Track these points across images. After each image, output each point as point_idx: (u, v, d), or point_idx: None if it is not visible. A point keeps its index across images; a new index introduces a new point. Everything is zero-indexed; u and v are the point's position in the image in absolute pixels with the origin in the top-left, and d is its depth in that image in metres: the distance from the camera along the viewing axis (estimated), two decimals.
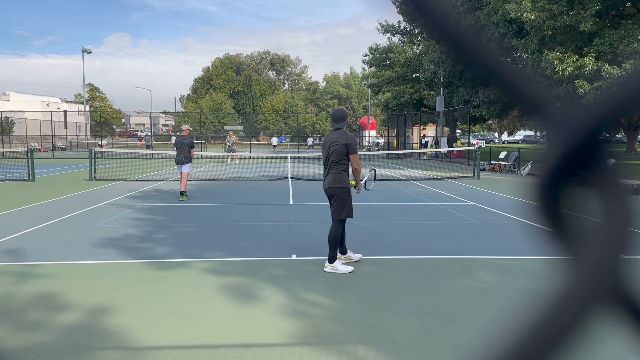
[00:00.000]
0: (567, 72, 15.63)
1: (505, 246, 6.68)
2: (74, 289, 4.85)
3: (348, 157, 5.38)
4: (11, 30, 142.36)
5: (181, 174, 11.13)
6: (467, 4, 19.23)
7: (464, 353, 3.46)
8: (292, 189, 13.54)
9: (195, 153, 11.68)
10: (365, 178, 6.45)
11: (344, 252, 5.74)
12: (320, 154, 5.72)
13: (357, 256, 5.84)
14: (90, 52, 46.28)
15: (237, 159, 26.41)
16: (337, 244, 5.41)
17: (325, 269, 5.41)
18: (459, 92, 26.41)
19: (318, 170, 20.43)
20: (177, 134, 12.56)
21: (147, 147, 40.05)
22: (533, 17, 15.89)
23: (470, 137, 35.75)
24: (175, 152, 11.06)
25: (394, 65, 38.26)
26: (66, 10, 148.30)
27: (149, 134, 48.28)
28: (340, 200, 5.39)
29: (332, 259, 5.41)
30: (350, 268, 5.42)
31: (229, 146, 27.02)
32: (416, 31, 31.33)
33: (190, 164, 11.08)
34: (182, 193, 11.17)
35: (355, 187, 5.62)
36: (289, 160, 18.87)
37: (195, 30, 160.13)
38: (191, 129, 11.76)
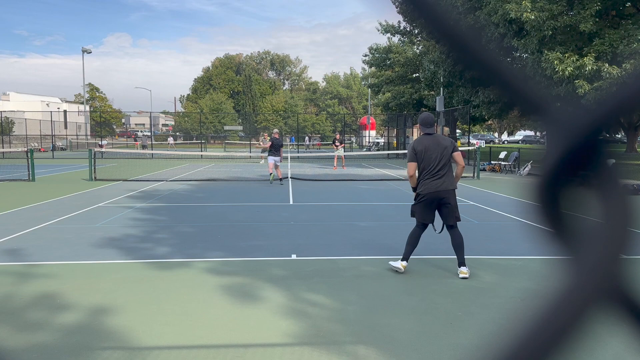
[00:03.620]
0: (567, 72, 15.63)
1: (505, 246, 6.68)
2: (74, 289, 4.85)
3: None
4: (11, 30, 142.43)
5: (276, 166, 14.65)
6: (467, 4, 19.22)
7: (464, 353, 3.46)
8: (292, 189, 13.53)
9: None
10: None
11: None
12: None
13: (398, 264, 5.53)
14: (90, 52, 46.29)
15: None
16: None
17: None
18: (459, 92, 26.38)
19: (318, 170, 20.42)
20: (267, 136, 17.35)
21: (143, 147, 39.90)
22: (533, 17, 15.89)
23: (470, 137, 35.74)
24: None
25: (394, 65, 38.22)
26: (66, 10, 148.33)
27: (146, 133, 48.11)
28: (455, 202, 5.28)
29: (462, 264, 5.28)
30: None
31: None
32: (416, 31, 31.30)
33: (280, 157, 14.71)
34: (280, 179, 14.94)
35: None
36: (289, 160, 18.85)
37: (194, 30, 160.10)
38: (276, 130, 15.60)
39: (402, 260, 5.39)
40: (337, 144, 22.14)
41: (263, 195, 12.02)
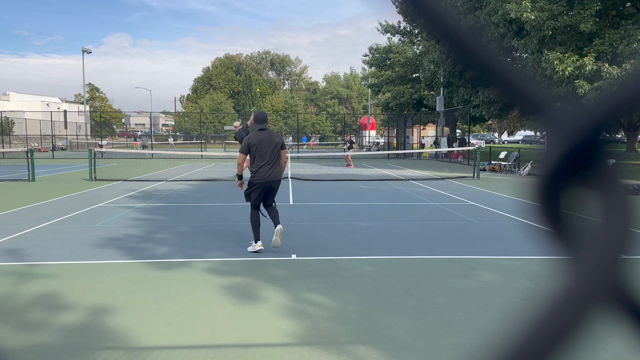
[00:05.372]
0: (567, 72, 15.63)
1: (505, 246, 6.68)
2: (74, 289, 4.85)
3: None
4: (11, 30, 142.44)
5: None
6: (467, 4, 19.22)
7: (464, 353, 3.46)
8: (292, 189, 13.53)
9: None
10: None
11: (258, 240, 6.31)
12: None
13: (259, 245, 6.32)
14: (90, 52, 46.29)
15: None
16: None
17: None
18: (459, 92, 26.39)
19: (318, 170, 20.41)
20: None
21: (144, 147, 39.71)
22: (533, 17, 15.89)
23: (470, 137, 35.73)
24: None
25: (394, 65, 38.22)
26: (66, 10, 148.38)
27: (145, 133, 47.87)
28: (277, 189, 6.36)
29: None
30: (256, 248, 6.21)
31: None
32: (416, 31, 31.32)
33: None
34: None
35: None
36: (289, 160, 18.85)
37: (194, 30, 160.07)
38: (237, 123, 13.45)
39: (257, 241, 6.21)
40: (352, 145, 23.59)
41: None
